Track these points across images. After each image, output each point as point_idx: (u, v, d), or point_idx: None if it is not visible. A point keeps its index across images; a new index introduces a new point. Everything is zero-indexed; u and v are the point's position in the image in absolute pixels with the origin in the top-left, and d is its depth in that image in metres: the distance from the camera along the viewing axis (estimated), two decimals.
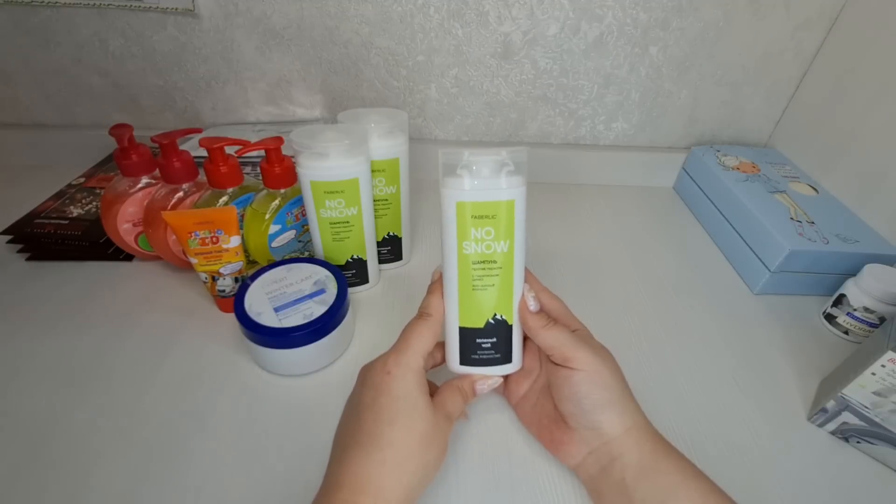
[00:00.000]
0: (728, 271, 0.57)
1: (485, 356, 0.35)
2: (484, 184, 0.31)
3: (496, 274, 0.33)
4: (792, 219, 0.54)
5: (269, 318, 0.38)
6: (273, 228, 0.46)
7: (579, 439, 0.32)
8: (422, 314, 0.34)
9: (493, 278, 0.33)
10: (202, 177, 0.46)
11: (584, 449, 0.32)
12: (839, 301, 0.49)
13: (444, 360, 0.36)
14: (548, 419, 0.35)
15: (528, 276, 0.36)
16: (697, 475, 0.29)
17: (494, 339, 0.35)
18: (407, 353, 0.31)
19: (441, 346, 0.36)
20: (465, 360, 0.35)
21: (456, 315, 0.34)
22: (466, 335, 0.35)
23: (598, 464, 0.31)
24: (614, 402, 0.31)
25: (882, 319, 0.46)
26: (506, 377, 0.37)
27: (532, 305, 0.34)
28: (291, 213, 0.47)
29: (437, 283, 0.36)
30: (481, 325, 0.34)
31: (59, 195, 0.56)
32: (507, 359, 0.35)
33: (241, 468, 0.35)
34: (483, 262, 0.33)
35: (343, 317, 0.41)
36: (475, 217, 0.31)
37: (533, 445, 0.37)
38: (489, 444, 0.37)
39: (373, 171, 0.45)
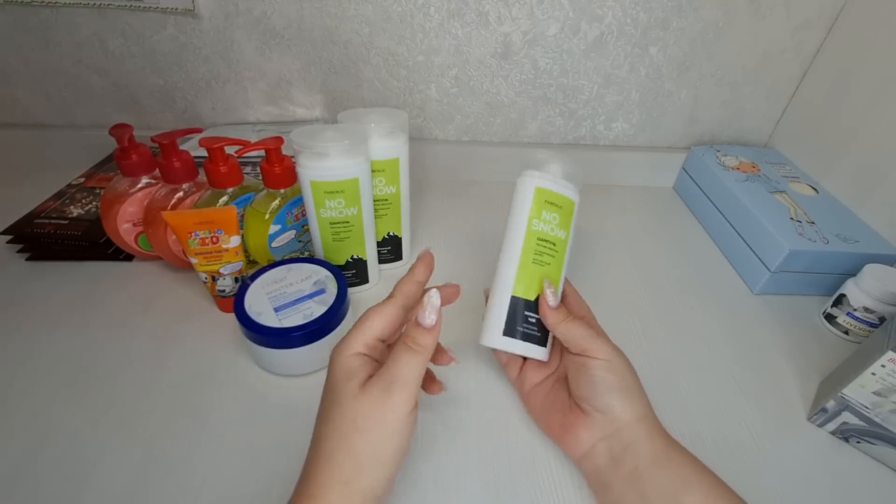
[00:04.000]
0: (728, 271, 0.57)
1: (528, 331, 0.36)
2: (559, 180, 0.38)
3: (553, 255, 0.37)
4: (792, 219, 0.54)
5: (269, 318, 0.38)
6: (273, 228, 0.46)
7: (592, 423, 0.32)
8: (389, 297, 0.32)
9: (550, 257, 0.37)
10: (202, 177, 0.46)
11: (596, 434, 0.32)
12: (839, 301, 0.49)
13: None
14: (560, 405, 0.35)
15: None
16: (706, 470, 0.30)
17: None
18: (345, 341, 0.30)
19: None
20: (508, 332, 0.36)
21: (510, 284, 0.36)
22: (516, 305, 0.36)
23: (609, 452, 0.31)
24: (628, 389, 0.32)
25: (882, 319, 0.46)
26: (521, 366, 0.39)
27: (552, 301, 0.35)
28: (291, 213, 0.47)
29: (418, 263, 0.33)
30: (532, 297, 0.36)
31: (59, 195, 0.56)
32: (544, 341, 0.37)
33: (241, 468, 0.35)
34: (546, 240, 0.37)
35: (343, 317, 0.41)
36: (548, 202, 0.37)
37: (533, 446, 0.37)
38: (489, 445, 0.37)
39: (373, 171, 0.45)
